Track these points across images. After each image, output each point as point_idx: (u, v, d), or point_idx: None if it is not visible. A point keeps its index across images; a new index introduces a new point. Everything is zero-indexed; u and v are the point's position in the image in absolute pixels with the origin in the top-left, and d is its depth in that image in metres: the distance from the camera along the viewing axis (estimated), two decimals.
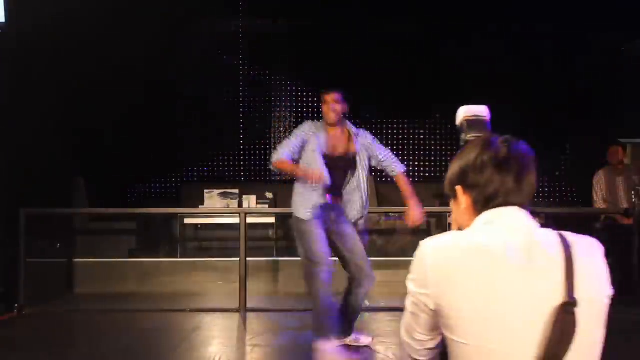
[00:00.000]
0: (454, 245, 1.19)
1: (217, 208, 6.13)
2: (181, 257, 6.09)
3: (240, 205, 6.16)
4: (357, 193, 3.78)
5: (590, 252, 1.22)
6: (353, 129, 3.79)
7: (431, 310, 1.18)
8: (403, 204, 3.95)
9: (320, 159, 3.58)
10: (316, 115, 7.67)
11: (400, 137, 7.72)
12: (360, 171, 3.75)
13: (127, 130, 6.92)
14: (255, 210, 6.06)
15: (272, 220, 6.23)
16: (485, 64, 7.16)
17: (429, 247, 1.20)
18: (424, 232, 6.38)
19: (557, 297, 1.12)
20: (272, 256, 6.03)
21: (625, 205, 5.38)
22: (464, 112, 1.69)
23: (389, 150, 3.92)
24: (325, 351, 3.38)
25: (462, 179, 1.27)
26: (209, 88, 7.67)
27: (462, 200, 1.28)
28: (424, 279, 1.19)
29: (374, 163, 3.86)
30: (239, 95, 7.75)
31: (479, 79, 6.93)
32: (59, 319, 4.77)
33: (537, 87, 7.29)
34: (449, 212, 4.96)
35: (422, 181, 7.57)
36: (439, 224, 6.36)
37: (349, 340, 3.79)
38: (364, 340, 3.88)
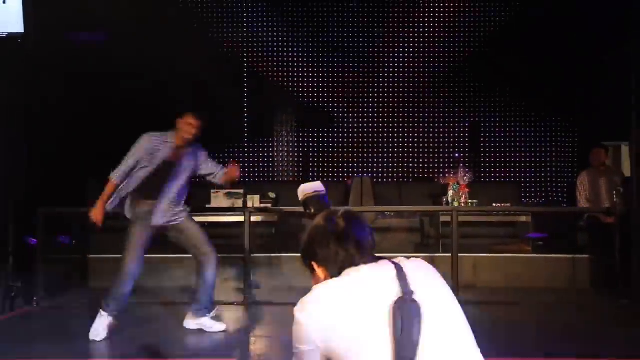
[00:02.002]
0: (322, 302, 1.30)
1: (223, 207, 6.15)
2: (189, 253, 6.10)
3: (244, 204, 6.18)
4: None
5: (416, 263, 1.42)
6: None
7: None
8: (398, 204, 3.99)
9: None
10: (317, 114, 7.71)
11: (393, 137, 7.74)
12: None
13: (139, 132, 6.92)
14: (259, 209, 6.08)
15: (274, 218, 6.25)
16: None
17: (304, 317, 1.31)
18: (418, 230, 6.41)
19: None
20: (275, 252, 6.05)
21: (607, 204, 5.41)
22: (303, 190, 1.80)
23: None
24: None
25: (313, 255, 1.41)
26: (215, 92, 7.68)
27: (319, 272, 1.41)
28: (308, 340, 1.29)
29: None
30: (244, 99, 7.77)
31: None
32: (75, 312, 4.80)
33: (527, 86, 7.32)
34: (442, 211, 5.02)
35: (415, 181, 7.61)
36: (432, 222, 6.39)
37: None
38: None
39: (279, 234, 6.32)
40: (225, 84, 7.68)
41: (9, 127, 5.05)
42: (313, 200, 2.11)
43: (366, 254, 1.38)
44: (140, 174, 3.86)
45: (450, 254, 5.08)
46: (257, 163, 7.74)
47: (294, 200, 6.79)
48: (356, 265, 1.35)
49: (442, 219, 6.05)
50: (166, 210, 3.91)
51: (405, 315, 1.23)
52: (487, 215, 6.26)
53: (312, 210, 1.72)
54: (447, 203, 6.03)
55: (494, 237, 6.30)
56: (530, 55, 7.26)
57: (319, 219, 1.43)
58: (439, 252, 5.94)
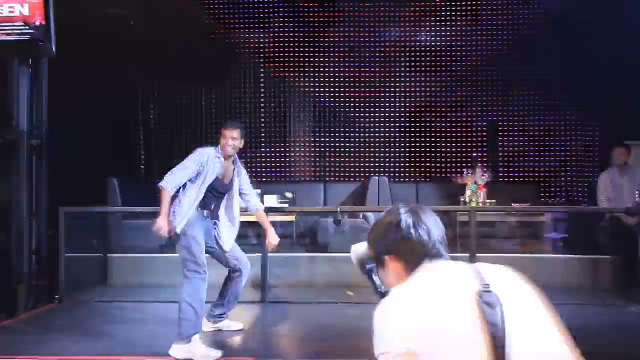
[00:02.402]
0: (407, 302, 1.29)
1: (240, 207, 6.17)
2: (206, 254, 6.15)
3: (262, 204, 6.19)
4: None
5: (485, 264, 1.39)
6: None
7: None
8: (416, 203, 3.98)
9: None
10: (334, 114, 7.71)
11: (410, 137, 7.70)
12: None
13: (156, 132, 7.03)
14: (276, 209, 6.09)
15: (292, 218, 6.27)
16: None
17: (390, 319, 1.28)
18: None
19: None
20: (292, 252, 6.07)
21: (629, 204, 5.32)
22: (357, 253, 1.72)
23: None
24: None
25: (388, 249, 1.41)
26: (231, 89, 7.73)
27: (392, 267, 1.41)
28: (396, 342, 1.25)
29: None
30: (260, 96, 7.80)
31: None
32: (96, 309, 4.87)
33: (548, 84, 7.23)
34: (459, 211, 4.99)
35: (432, 181, 7.56)
36: (449, 222, 6.34)
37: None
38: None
39: (297, 234, 6.33)
40: (241, 83, 7.73)
41: (32, 125, 5.15)
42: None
43: (440, 248, 1.40)
44: (194, 189, 3.74)
45: (468, 254, 5.04)
46: (274, 162, 7.77)
47: (311, 200, 6.88)
48: (432, 258, 1.38)
49: (460, 219, 6.01)
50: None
51: (490, 305, 1.24)
52: (505, 215, 6.19)
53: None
54: (465, 203, 5.98)
55: (513, 238, 6.23)
56: (550, 53, 7.17)
57: (387, 216, 1.45)
58: (457, 253, 5.89)
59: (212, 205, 3.86)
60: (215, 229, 3.92)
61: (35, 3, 4.94)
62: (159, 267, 5.70)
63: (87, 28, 5.67)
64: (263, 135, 7.77)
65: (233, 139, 3.79)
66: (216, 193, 3.85)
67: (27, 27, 4.94)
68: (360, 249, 1.58)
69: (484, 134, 7.69)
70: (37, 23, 4.94)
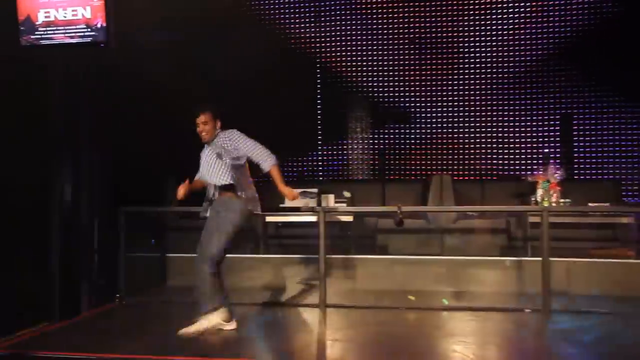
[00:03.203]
0: None
1: (296, 207, 6.24)
2: (263, 254, 6.27)
3: (319, 204, 6.24)
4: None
5: None
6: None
7: None
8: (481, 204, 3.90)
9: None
10: (392, 110, 7.65)
11: (474, 131, 7.51)
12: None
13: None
14: (334, 209, 6.12)
15: (350, 218, 6.27)
16: None
17: None
18: (503, 231, 6.19)
19: None
20: (351, 254, 6.08)
21: None
22: None
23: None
24: None
25: None
26: (286, 87, 7.81)
27: None
28: None
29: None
30: (317, 94, 7.84)
31: None
32: (155, 309, 5.07)
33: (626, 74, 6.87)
34: (530, 212, 4.83)
35: (499, 179, 7.34)
36: (519, 223, 6.15)
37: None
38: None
39: (355, 235, 6.33)
40: (297, 81, 7.79)
41: (93, 126, 5.42)
42: None
43: None
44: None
45: (540, 258, 4.89)
46: (331, 161, 7.79)
47: (370, 200, 6.86)
48: None
49: (531, 219, 5.81)
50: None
51: None
52: (582, 216, 5.92)
53: None
54: (536, 203, 5.80)
55: (590, 240, 5.96)
56: (631, 42, 6.79)
57: None
58: (527, 256, 5.71)
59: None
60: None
61: (96, 5, 5.18)
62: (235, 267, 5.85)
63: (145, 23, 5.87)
64: (320, 133, 7.81)
65: (203, 123, 4.13)
66: None
67: (89, 29, 5.19)
68: None
69: (557, 127, 7.40)
70: (99, 25, 5.19)
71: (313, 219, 5.67)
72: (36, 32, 5.26)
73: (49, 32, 5.26)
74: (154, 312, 4.96)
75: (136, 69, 5.92)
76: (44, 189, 5.24)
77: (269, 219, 6.46)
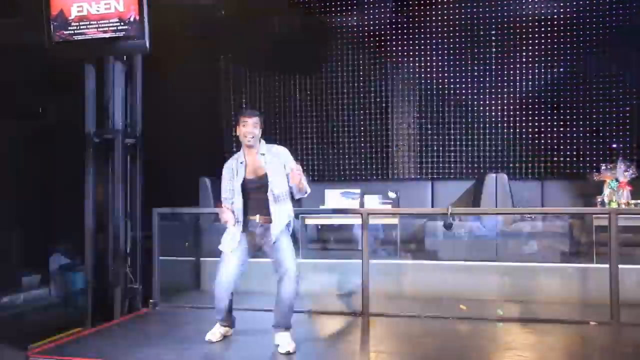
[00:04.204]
0: None
1: (338, 208, 6.22)
2: (303, 258, 6.27)
3: (362, 205, 6.19)
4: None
5: None
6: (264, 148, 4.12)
7: None
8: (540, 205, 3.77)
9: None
10: (442, 103, 7.52)
11: (533, 126, 7.28)
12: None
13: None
14: (377, 211, 6.05)
15: (395, 221, 6.19)
16: None
17: None
18: (566, 236, 5.98)
19: None
20: (396, 258, 6.00)
21: None
22: None
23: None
24: None
25: None
26: (326, 79, 7.79)
27: None
28: None
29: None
30: (360, 92, 7.79)
31: None
32: (189, 315, 5.15)
33: None
34: (596, 214, 4.63)
35: (560, 177, 7.10)
36: (583, 226, 5.92)
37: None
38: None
39: (401, 238, 6.25)
40: (337, 71, 7.76)
41: (126, 124, 5.56)
42: None
43: None
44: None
45: (607, 265, 4.69)
46: (375, 159, 7.72)
47: (417, 200, 6.75)
48: None
49: (597, 222, 5.59)
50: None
51: None
52: None
53: None
54: (603, 204, 5.59)
55: None
56: None
57: None
58: (593, 263, 5.49)
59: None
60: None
61: None
62: (252, 272, 5.88)
63: (176, 20, 5.99)
64: (362, 128, 7.75)
65: (254, 126, 4.00)
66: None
67: (122, 24, 5.32)
68: None
69: (627, 120, 7.08)
70: (132, 19, 5.30)
71: (356, 221, 5.63)
72: (69, 28, 5.43)
73: (82, 27, 5.42)
74: (188, 318, 5.03)
75: (172, 63, 6.06)
76: (77, 190, 5.42)
77: (308, 220, 6.46)
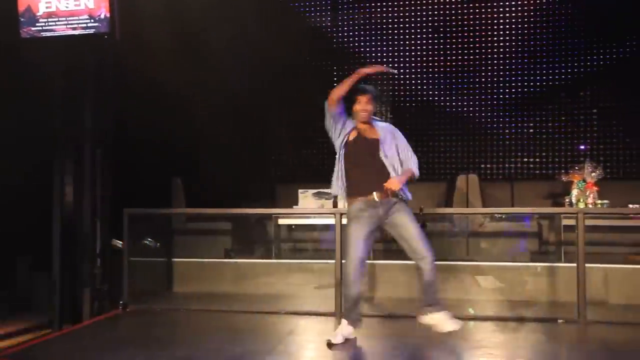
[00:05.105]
0: None
1: (311, 208, 6.23)
2: (275, 259, 6.27)
3: (335, 205, 6.22)
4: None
5: None
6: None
7: None
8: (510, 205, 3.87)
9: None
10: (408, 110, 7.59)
11: (503, 127, 7.42)
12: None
13: (223, 130, 7.24)
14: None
15: None
16: None
17: None
18: (535, 234, 6.12)
19: None
20: (370, 259, 6.04)
21: None
22: None
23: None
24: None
25: None
26: (301, 88, 7.81)
27: None
28: None
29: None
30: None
31: None
32: (159, 317, 5.10)
33: None
34: (564, 214, 4.74)
35: (530, 178, 7.25)
36: (552, 226, 6.06)
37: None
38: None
39: (375, 239, 6.28)
40: (311, 72, 7.78)
41: (95, 124, 5.47)
42: None
43: None
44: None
45: (574, 264, 4.81)
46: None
47: None
48: None
49: (565, 222, 5.73)
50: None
51: None
52: (621, 219, 5.82)
53: None
54: (571, 204, 5.72)
55: (630, 245, 5.85)
56: None
57: None
58: (561, 262, 5.62)
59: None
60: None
61: None
62: (225, 273, 5.88)
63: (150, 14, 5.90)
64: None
65: (367, 102, 4.08)
66: None
67: (92, 20, 5.25)
68: None
69: (594, 122, 7.28)
70: (102, 15, 5.24)
71: (329, 221, 5.65)
72: (37, 24, 5.33)
73: (50, 23, 5.33)
74: (159, 320, 4.99)
75: (142, 62, 5.98)
76: (44, 190, 5.32)
77: (281, 221, 6.46)
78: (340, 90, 4.00)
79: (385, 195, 3.98)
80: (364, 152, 4.06)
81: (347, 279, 3.98)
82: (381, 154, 4.04)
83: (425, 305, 4.07)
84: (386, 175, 3.99)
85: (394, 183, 3.95)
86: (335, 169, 4.12)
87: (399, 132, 4.23)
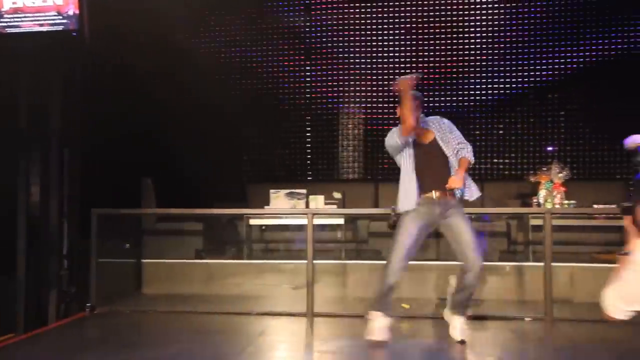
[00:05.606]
0: None
1: (283, 208, 6.22)
2: (247, 259, 6.24)
3: (307, 205, 6.22)
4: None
5: None
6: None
7: None
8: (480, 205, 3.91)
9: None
10: (386, 111, 7.64)
11: (473, 130, 7.53)
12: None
13: (194, 130, 7.19)
14: (323, 211, 6.10)
15: (340, 221, 6.25)
16: None
17: None
18: (504, 235, 6.21)
19: None
20: (341, 259, 6.06)
21: None
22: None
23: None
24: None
25: None
26: (275, 86, 7.80)
27: None
28: None
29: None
30: (305, 92, 7.83)
31: None
32: (128, 319, 5.03)
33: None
34: (532, 214, 4.82)
35: (499, 179, 7.37)
36: (520, 225, 6.16)
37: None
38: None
39: (345, 239, 6.32)
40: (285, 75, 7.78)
41: (63, 123, 5.36)
42: None
43: None
44: None
45: (542, 264, 4.90)
46: (320, 160, 7.78)
47: (362, 201, 6.84)
48: None
49: (533, 222, 5.83)
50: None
51: None
52: (587, 219, 5.95)
53: None
54: (539, 204, 5.81)
55: (596, 245, 5.98)
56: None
57: None
58: (529, 261, 5.72)
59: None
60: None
61: None
62: (196, 274, 5.83)
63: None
64: (309, 132, 7.79)
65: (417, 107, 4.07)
66: None
67: (60, 17, 5.14)
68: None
69: (562, 124, 7.43)
70: (71, 12, 5.14)
71: (301, 221, 5.65)
72: (2, 20, 5.21)
73: (16, 19, 5.21)
74: (128, 322, 4.91)
75: (112, 60, 5.89)
76: (9, 189, 5.19)
77: (252, 221, 6.43)
78: (411, 118, 3.94)
79: (445, 195, 3.99)
80: (425, 157, 4.06)
81: (389, 266, 3.99)
82: (440, 153, 4.06)
83: (456, 306, 4.13)
84: (447, 173, 4.02)
85: (456, 181, 3.97)
86: (403, 186, 4.06)
87: (448, 121, 4.21)
